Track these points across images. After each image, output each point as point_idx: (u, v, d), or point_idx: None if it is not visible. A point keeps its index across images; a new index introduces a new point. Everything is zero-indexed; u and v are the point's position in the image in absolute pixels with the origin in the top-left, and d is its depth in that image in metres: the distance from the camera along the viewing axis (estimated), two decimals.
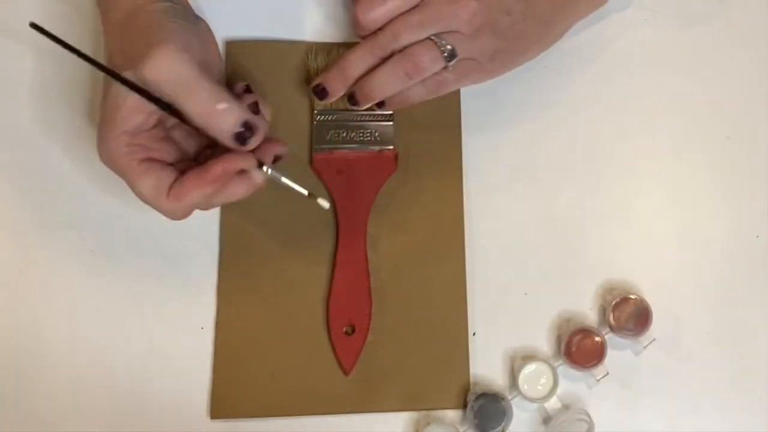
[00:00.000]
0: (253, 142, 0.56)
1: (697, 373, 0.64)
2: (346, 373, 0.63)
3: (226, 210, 0.66)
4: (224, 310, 0.64)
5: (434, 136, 0.67)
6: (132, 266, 0.65)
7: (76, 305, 0.65)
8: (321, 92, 0.64)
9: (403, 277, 0.65)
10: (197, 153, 0.60)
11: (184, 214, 0.57)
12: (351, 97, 0.63)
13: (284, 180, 0.58)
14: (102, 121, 0.56)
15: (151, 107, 0.55)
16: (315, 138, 0.67)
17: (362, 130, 0.66)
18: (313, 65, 0.67)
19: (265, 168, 0.57)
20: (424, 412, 0.63)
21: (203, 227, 0.66)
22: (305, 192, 0.58)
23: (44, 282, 0.65)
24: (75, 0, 0.68)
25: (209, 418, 0.63)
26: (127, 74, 0.54)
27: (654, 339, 0.64)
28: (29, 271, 0.65)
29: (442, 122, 0.66)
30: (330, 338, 0.63)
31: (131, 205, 0.66)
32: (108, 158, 0.57)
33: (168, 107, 0.55)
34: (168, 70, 0.54)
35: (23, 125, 0.68)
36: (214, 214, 0.66)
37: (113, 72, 0.55)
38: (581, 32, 0.66)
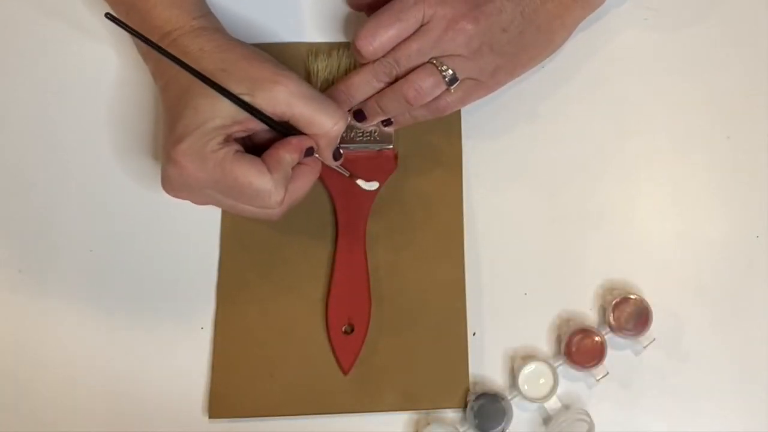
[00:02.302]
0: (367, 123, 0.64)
1: (697, 373, 0.64)
2: (344, 372, 0.63)
3: (227, 211, 0.66)
4: (224, 310, 0.64)
5: (434, 136, 0.67)
6: (132, 266, 0.65)
7: (75, 305, 0.65)
8: None
9: (403, 276, 0.65)
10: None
11: (284, 195, 0.57)
12: (357, 115, 0.64)
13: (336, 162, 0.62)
14: (182, 133, 0.56)
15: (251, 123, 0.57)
16: None
17: (362, 130, 0.67)
18: (313, 66, 0.67)
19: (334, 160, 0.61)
20: (424, 412, 0.63)
21: (203, 227, 0.66)
22: (347, 173, 0.63)
23: (44, 282, 0.65)
24: None
25: (208, 417, 0.63)
26: (244, 97, 0.56)
27: (654, 339, 0.63)
28: (29, 271, 0.65)
29: (442, 122, 0.66)
30: (329, 338, 0.63)
31: (131, 205, 0.66)
32: (205, 166, 0.56)
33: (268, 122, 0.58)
34: (301, 89, 0.58)
35: (23, 125, 0.68)
36: (215, 214, 0.66)
37: (222, 88, 0.56)
38: (580, 32, 0.66)
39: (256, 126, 0.58)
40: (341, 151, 0.61)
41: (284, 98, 0.57)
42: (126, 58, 0.68)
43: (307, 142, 0.59)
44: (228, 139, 0.57)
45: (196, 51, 0.59)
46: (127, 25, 0.56)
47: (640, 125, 0.69)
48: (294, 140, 0.58)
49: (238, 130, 0.57)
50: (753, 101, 0.69)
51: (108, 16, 0.56)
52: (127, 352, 0.64)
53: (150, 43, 0.56)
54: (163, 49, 0.56)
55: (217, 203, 0.59)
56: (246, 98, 0.56)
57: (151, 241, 0.66)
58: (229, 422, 0.63)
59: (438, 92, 0.61)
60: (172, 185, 0.58)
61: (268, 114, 0.57)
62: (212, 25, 0.62)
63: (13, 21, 0.70)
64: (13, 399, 0.63)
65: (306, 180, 0.60)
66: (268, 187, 0.56)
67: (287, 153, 0.58)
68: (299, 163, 0.59)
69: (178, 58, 0.56)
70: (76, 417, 0.63)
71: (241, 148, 0.57)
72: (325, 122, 0.58)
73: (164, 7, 0.60)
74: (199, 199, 0.59)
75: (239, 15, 0.70)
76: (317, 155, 0.60)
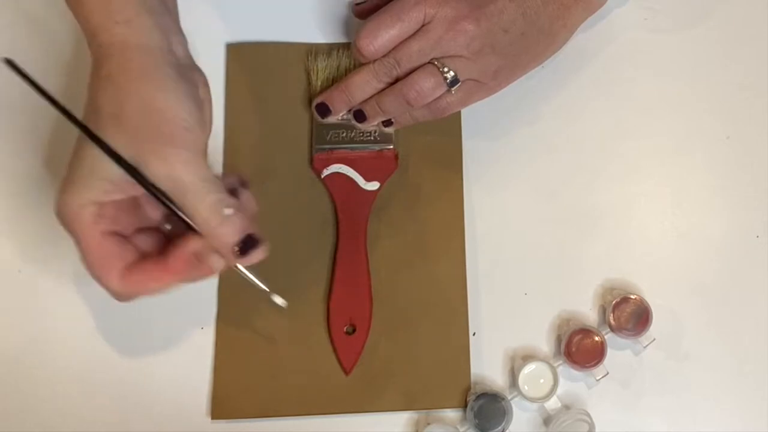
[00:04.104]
0: (254, 256, 0.53)
1: (696, 373, 0.64)
2: (346, 373, 0.63)
3: None
4: (225, 310, 0.64)
5: (434, 135, 0.67)
6: None
7: (76, 305, 0.65)
8: (324, 110, 0.65)
9: (404, 276, 0.65)
10: (162, 221, 0.56)
11: (129, 300, 0.54)
12: (357, 115, 0.64)
13: (245, 272, 0.56)
14: (71, 178, 0.52)
15: (138, 190, 0.51)
16: (315, 138, 0.67)
17: (362, 130, 0.66)
18: (313, 66, 0.67)
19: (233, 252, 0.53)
20: (424, 412, 0.63)
21: None
22: (265, 288, 0.57)
23: (44, 282, 0.65)
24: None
25: (210, 419, 0.63)
26: (124, 152, 0.50)
27: (654, 339, 0.64)
28: (29, 271, 0.65)
29: (442, 122, 0.66)
30: (330, 338, 0.64)
31: None
32: (66, 217, 0.52)
33: (157, 195, 0.51)
34: (180, 176, 0.50)
35: (22, 125, 0.68)
36: None
37: (107, 147, 0.50)
38: (580, 33, 0.66)
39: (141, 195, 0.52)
40: (255, 243, 0.53)
41: (159, 179, 0.50)
42: None
43: (184, 263, 0.52)
44: (102, 211, 0.51)
45: (104, 75, 0.52)
46: (24, 74, 0.50)
47: (640, 125, 0.69)
48: (170, 265, 0.52)
49: (117, 195, 0.52)
50: (753, 101, 0.69)
51: (7, 61, 0.50)
52: (128, 353, 0.64)
53: (41, 92, 0.51)
54: (49, 97, 0.51)
55: None
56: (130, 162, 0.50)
57: None
58: (231, 423, 0.63)
59: (439, 93, 0.61)
60: (57, 216, 0.53)
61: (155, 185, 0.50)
62: (135, 39, 0.52)
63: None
64: (14, 400, 0.63)
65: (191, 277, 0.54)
66: (111, 288, 0.53)
67: (154, 283, 0.53)
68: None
69: (56, 101, 0.51)
70: (77, 418, 0.63)
71: (112, 228, 0.52)
72: (201, 216, 0.51)
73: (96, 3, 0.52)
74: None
75: (239, 15, 0.70)
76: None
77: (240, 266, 0.55)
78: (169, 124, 0.51)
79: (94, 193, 0.51)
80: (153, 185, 0.51)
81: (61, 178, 0.52)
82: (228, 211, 0.52)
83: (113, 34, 0.52)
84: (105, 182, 0.51)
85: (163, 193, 0.51)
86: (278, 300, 0.58)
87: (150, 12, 0.53)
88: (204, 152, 0.53)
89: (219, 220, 0.51)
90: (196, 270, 0.53)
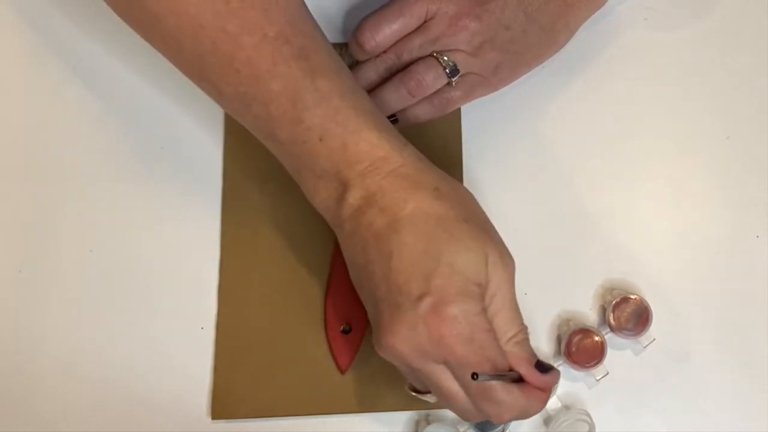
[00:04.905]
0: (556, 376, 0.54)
1: (697, 373, 0.64)
2: (342, 372, 0.63)
3: (227, 210, 0.66)
4: (225, 310, 0.64)
5: (434, 136, 0.67)
6: (132, 266, 0.65)
7: (76, 305, 0.65)
8: None
9: None
10: None
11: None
12: None
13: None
14: (447, 294, 0.50)
15: None
16: None
17: None
18: None
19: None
20: (424, 412, 0.63)
21: (204, 227, 0.66)
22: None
23: (44, 282, 0.65)
24: None
25: (210, 418, 0.63)
26: (496, 272, 0.51)
27: (654, 339, 0.64)
28: (29, 271, 0.65)
29: (442, 122, 0.66)
30: (327, 337, 0.63)
31: (131, 205, 0.66)
32: (472, 342, 0.50)
33: None
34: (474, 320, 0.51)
35: (21, 125, 0.68)
36: (215, 214, 0.66)
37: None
38: (581, 32, 0.66)
39: None
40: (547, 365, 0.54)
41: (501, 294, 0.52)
42: (126, 55, 0.68)
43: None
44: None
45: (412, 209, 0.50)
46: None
47: (640, 125, 0.69)
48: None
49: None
50: (753, 101, 0.69)
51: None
52: (128, 352, 0.64)
53: None
54: None
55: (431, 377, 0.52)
56: (491, 278, 0.51)
57: (151, 241, 0.66)
58: (231, 423, 0.63)
59: (439, 85, 0.61)
60: (392, 352, 0.51)
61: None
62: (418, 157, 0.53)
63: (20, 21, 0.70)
64: (14, 399, 0.63)
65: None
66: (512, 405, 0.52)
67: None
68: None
69: None
70: (76, 417, 0.63)
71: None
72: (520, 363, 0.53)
73: (374, 130, 0.52)
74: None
75: None
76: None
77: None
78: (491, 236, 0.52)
79: (479, 290, 0.51)
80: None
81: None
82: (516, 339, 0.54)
83: (408, 153, 0.52)
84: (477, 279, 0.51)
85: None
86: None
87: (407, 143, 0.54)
88: None
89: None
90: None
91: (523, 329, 0.54)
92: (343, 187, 0.52)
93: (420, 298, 0.49)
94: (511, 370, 0.53)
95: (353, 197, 0.52)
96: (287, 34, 0.51)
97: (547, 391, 0.54)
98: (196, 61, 0.51)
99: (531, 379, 0.52)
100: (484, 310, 0.51)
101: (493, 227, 0.54)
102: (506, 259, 0.53)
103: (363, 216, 0.51)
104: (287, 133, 0.52)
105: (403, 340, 0.50)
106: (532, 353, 0.54)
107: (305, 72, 0.51)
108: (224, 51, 0.50)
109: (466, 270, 0.50)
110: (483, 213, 0.54)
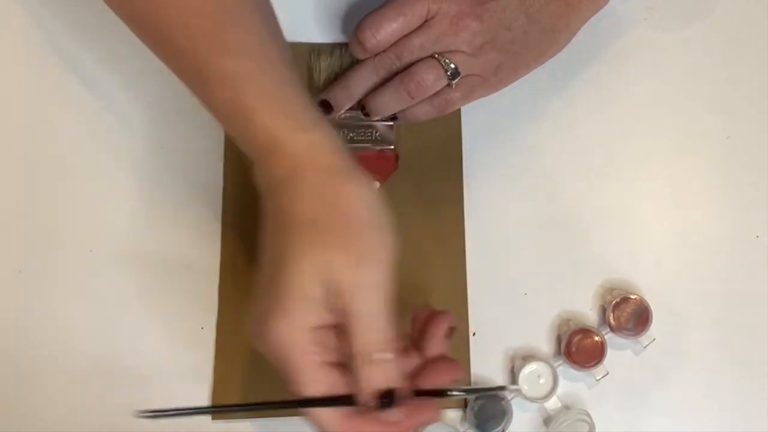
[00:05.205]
0: (393, 415, 0.48)
1: (697, 373, 0.64)
2: None
3: (228, 210, 0.66)
4: (225, 310, 0.64)
5: (435, 136, 0.67)
6: (132, 266, 0.65)
7: (76, 305, 0.64)
8: (326, 107, 0.65)
9: (403, 276, 0.65)
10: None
11: None
12: (361, 109, 0.64)
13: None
14: (280, 303, 0.48)
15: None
16: None
17: (363, 130, 0.66)
18: (315, 65, 0.67)
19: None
20: None
21: (204, 227, 0.66)
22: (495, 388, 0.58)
23: (44, 282, 0.65)
24: None
25: (210, 418, 0.63)
26: (343, 275, 0.47)
27: (654, 339, 0.64)
28: (29, 271, 0.65)
29: (442, 122, 0.66)
30: None
31: (131, 205, 0.66)
32: (278, 346, 0.48)
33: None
34: (360, 307, 0.47)
35: (21, 125, 0.68)
36: (215, 214, 0.66)
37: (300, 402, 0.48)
38: (581, 32, 0.66)
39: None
40: (390, 405, 0.48)
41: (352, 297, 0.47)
42: (127, 55, 0.68)
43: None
44: (318, 335, 0.48)
45: (295, 184, 0.49)
46: (166, 413, 0.48)
47: (640, 125, 0.69)
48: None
49: (331, 321, 0.48)
50: (753, 101, 0.69)
51: (143, 414, 0.48)
52: (128, 352, 0.64)
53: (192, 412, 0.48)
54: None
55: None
56: (342, 279, 0.47)
57: (151, 241, 0.66)
58: (231, 423, 0.63)
59: (439, 86, 0.61)
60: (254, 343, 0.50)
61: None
62: (326, 138, 0.50)
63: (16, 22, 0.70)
64: (14, 399, 0.63)
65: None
66: (324, 426, 0.48)
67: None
68: None
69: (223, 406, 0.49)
70: (77, 417, 0.63)
71: (329, 358, 0.48)
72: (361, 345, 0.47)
73: (268, 114, 0.50)
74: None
75: None
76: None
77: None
78: (366, 237, 0.48)
79: (311, 317, 0.47)
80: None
81: (261, 301, 0.49)
82: (380, 356, 0.47)
83: (300, 140, 0.50)
84: (317, 303, 0.47)
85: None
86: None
87: (322, 118, 0.52)
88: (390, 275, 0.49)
89: (367, 360, 0.47)
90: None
91: (383, 348, 0.48)
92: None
93: (260, 299, 0.49)
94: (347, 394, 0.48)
95: (257, 180, 0.52)
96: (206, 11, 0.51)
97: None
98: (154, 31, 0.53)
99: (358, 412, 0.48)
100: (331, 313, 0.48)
101: (375, 226, 0.49)
102: (365, 263, 0.48)
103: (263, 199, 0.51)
104: (209, 108, 0.52)
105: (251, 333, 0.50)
106: (382, 378, 0.48)
107: (213, 51, 0.51)
108: (167, 18, 0.52)
109: (296, 278, 0.47)
110: (365, 211, 0.49)
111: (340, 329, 0.48)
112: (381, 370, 0.48)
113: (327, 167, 0.49)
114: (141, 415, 0.48)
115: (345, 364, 0.48)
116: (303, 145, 0.50)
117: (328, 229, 0.48)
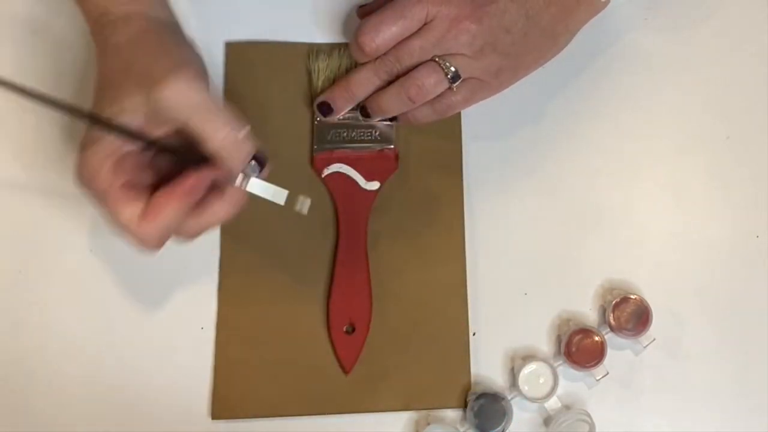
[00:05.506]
0: (265, 173, 0.57)
1: (697, 373, 0.64)
2: (346, 372, 0.63)
3: None
4: (225, 309, 0.64)
5: (435, 135, 0.67)
6: (132, 266, 0.65)
7: (75, 305, 0.65)
8: (326, 110, 0.65)
9: (404, 276, 0.65)
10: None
11: (159, 240, 0.54)
12: (361, 111, 0.64)
13: (259, 189, 0.56)
14: (87, 139, 0.54)
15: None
16: (316, 138, 0.67)
17: (363, 130, 0.66)
18: (314, 65, 0.67)
19: (239, 181, 0.55)
20: (424, 412, 0.63)
21: None
22: (283, 197, 0.56)
23: (44, 282, 0.65)
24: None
25: (210, 418, 0.63)
26: (136, 98, 0.53)
27: (654, 339, 0.64)
28: (29, 271, 0.65)
29: (442, 122, 0.66)
30: (330, 338, 0.64)
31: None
32: (86, 175, 0.54)
33: (155, 142, 0.54)
34: (189, 94, 0.53)
35: (22, 125, 0.68)
36: None
37: (95, 116, 0.53)
38: (581, 32, 0.66)
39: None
40: (264, 160, 0.56)
41: (170, 104, 0.52)
42: None
43: (199, 179, 0.53)
44: (120, 163, 0.53)
45: (112, 46, 0.56)
46: (12, 85, 0.51)
47: (639, 125, 0.69)
48: (183, 183, 0.53)
49: (136, 148, 0.54)
50: (753, 101, 0.69)
51: None
52: (128, 352, 0.64)
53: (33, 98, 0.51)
54: (39, 97, 0.51)
55: None
56: (140, 110, 0.52)
57: None
58: (231, 423, 0.63)
59: (440, 90, 0.61)
60: (77, 183, 0.55)
61: (169, 122, 0.53)
62: (144, 8, 0.57)
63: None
64: (14, 399, 0.63)
65: (213, 213, 0.55)
66: (137, 236, 0.53)
67: (168, 204, 0.53)
68: (214, 189, 0.55)
69: (48, 98, 0.51)
70: (77, 418, 0.63)
71: (131, 178, 0.54)
72: (215, 132, 0.53)
73: None
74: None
75: (241, 15, 0.69)
76: (230, 176, 0.55)
77: (252, 183, 0.56)
78: (176, 61, 0.55)
79: (111, 146, 0.53)
80: (133, 132, 0.53)
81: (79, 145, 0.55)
82: (242, 133, 0.54)
83: (122, 12, 0.56)
84: (111, 136, 0.53)
85: (172, 147, 0.54)
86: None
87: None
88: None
89: (236, 137, 0.53)
90: (209, 198, 0.54)
91: (238, 127, 0.54)
92: None
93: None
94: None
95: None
96: None
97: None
98: None
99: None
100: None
101: (175, 54, 0.56)
102: (181, 83, 0.53)
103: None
104: None
105: None
106: (250, 148, 0.55)
107: None
108: None
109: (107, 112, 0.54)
110: (166, 46, 0.57)
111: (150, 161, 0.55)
112: (245, 141, 0.54)
113: (154, 26, 0.57)
114: None
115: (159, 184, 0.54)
116: (131, 11, 0.57)
117: (140, 71, 0.54)
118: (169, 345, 0.64)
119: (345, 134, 0.66)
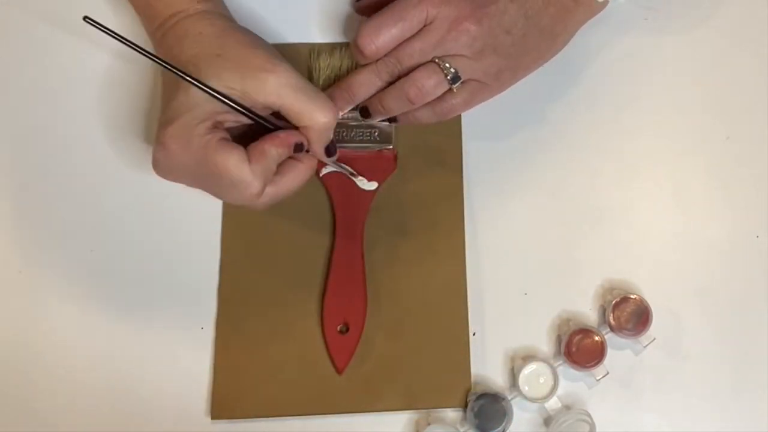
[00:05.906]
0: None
1: (696, 373, 0.64)
2: (339, 372, 0.63)
3: (227, 210, 0.66)
4: (225, 310, 0.64)
5: (434, 135, 0.67)
6: (132, 266, 0.65)
7: (76, 305, 0.65)
8: None
9: (404, 276, 0.65)
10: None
11: (263, 186, 0.57)
12: (361, 111, 0.64)
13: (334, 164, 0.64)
14: (171, 116, 0.56)
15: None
16: None
17: (362, 130, 0.66)
18: (315, 65, 0.67)
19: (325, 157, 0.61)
20: (424, 412, 0.63)
21: (204, 227, 0.66)
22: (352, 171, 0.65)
23: (44, 282, 0.65)
24: None
25: (210, 418, 0.63)
26: (234, 79, 0.56)
27: (654, 339, 0.64)
28: (29, 271, 0.65)
29: (442, 122, 0.66)
30: (324, 337, 0.63)
31: (132, 205, 0.66)
32: (182, 147, 0.56)
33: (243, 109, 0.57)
34: (295, 80, 0.58)
35: (21, 125, 0.68)
36: (216, 213, 0.66)
37: (191, 78, 0.56)
38: (580, 33, 0.66)
39: (245, 118, 0.58)
40: (336, 147, 0.61)
41: (274, 88, 0.57)
42: (128, 54, 0.68)
43: (294, 137, 0.58)
44: (217, 126, 0.57)
45: (195, 35, 0.59)
46: (104, 27, 0.55)
47: (639, 125, 0.69)
48: (281, 134, 0.58)
49: (229, 119, 0.58)
50: (753, 101, 0.69)
51: (87, 19, 0.55)
52: (128, 353, 0.64)
53: (124, 41, 0.55)
54: (138, 47, 0.56)
55: (204, 189, 0.59)
56: (236, 88, 0.56)
57: (151, 241, 0.66)
58: (231, 423, 0.63)
59: (440, 91, 0.61)
60: (160, 168, 0.58)
61: (259, 104, 0.57)
62: (216, 9, 0.62)
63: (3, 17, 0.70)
64: (14, 399, 0.63)
65: (295, 175, 0.59)
66: (246, 178, 0.56)
67: (272, 146, 0.57)
68: (292, 158, 0.59)
69: (152, 54, 0.56)
70: (77, 418, 0.63)
71: (227, 136, 0.57)
72: (314, 115, 0.58)
73: None
74: (188, 183, 0.59)
75: (242, 16, 0.69)
76: (310, 151, 0.60)
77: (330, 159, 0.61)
78: (271, 53, 0.59)
79: (206, 112, 0.56)
80: (247, 108, 0.57)
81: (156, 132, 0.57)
82: (340, 114, 0.62)
83: (197, 10, 0.61)
84: (210, 105, 0.56)
85: (259, 115, 0.58)
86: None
87: None
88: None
89: (322, 114, 0.58)
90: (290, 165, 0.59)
91: (332, 119, 0.59)
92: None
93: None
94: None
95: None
96: None
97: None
98: None
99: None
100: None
101: (260, 46, 0.60)
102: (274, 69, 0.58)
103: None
104: None
105: None
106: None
107: None
108: None
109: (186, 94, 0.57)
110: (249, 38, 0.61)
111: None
112: (329, 133, 0.59)
113: (224, 22, 0.61)
114: (87, 20, 0.55)
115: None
116: (202, 9, 0.61)
117: (235, 58, 0.58)
118: (169, 345, 0.64)
119: (344, 134, 0.66)
